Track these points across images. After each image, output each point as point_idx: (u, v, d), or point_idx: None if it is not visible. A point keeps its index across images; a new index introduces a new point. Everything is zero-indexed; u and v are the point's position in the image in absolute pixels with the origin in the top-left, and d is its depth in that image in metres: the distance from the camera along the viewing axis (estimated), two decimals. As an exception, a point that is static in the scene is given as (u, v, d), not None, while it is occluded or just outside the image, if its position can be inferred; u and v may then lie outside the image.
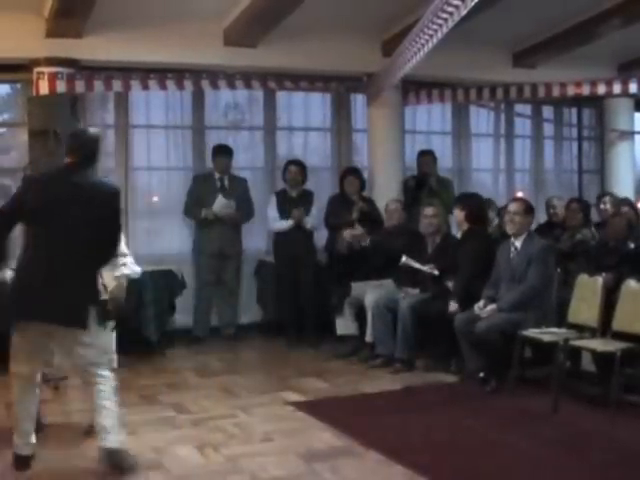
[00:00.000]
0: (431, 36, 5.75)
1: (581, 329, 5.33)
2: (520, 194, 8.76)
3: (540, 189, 9.41)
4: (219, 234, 7.38)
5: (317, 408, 5.10)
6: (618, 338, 5.01)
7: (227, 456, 4.20)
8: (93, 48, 6.81)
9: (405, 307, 6.19)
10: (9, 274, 4.13)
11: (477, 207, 6.45)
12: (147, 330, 6.66)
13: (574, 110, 9.72)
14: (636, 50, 8.53)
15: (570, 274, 5.89)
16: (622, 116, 9.41)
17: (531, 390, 5.33)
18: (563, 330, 5.36)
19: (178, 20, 6.88)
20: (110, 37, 6.82)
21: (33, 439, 3.89)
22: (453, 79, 8.25)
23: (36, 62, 6.75)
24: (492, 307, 5.60)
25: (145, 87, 7.11)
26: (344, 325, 6.88)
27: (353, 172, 7.59)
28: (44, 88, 6.71)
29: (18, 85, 7.41)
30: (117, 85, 7.00)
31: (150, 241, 7.82)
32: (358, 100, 8.44)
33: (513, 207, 5.85)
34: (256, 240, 7.98)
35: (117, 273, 4.34)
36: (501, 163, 9.36)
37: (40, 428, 4.07)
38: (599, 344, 5.07)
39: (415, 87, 8.20)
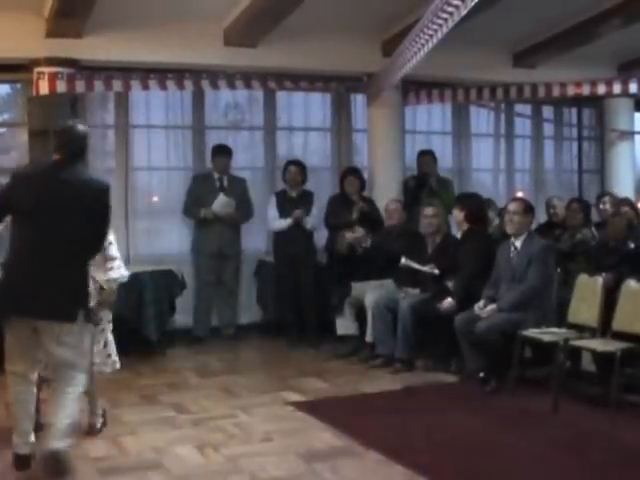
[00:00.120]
0: (431, 36, 5.75)
1: (581, 329, 5.33)
2: (520, 194, 8.76)
3: (540, 189, 9.40)
4: (219, 234, 7.38)
5: (317, 408, 5.09)
6: (618, 338, 5.01)
7: (227, 456, 4.20)
8: (93, 48, 6.81)
9: (405, 307, 6.19)
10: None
11: (477, 207, 6.45)
12: (147, 330, 6.67)
13: (574, 110, 9.71)
14: (636, 50, 8.53)
15: (570, 274, 5.89)
16: (622, 116, 9.40)
17: (531, 390, 5.32)
18: (563, 330, 5.36)
19: (178, 20, 6.88)
20: (110, 37, 6.82)
21: (32, 438, 3.89)
22: (453, 79, 8.24)
23: (36, 62, 6.74)
24: (492, 307, 5.60)
25: (145, 87, 7.10)
26: (344, 325, 6.88)
27: (353, 172, 7.58)
28: (44, 88, 6.70)
29: (18, 85, 7.40)
30: (117, 85, 6.99)
31: (150, 241, 7.81)
32: (358, 100, 8.43)
33: (513, 207, 5.85)
34: (256, 240, 7.98)
35: (107, 277, 4.35)
36: (501, 163, 9.35)
37: (39, 427, 4.07)
38: (599, 344, 5.07)
39: (415, 87, 8.19)
